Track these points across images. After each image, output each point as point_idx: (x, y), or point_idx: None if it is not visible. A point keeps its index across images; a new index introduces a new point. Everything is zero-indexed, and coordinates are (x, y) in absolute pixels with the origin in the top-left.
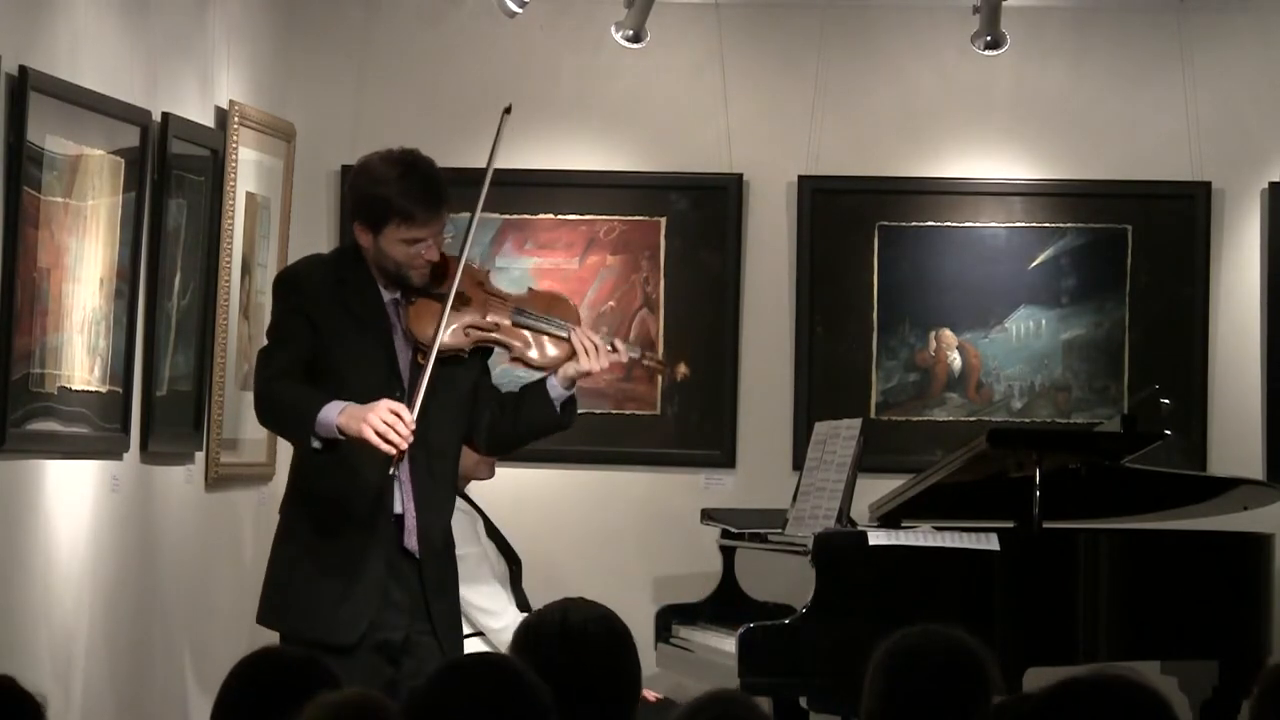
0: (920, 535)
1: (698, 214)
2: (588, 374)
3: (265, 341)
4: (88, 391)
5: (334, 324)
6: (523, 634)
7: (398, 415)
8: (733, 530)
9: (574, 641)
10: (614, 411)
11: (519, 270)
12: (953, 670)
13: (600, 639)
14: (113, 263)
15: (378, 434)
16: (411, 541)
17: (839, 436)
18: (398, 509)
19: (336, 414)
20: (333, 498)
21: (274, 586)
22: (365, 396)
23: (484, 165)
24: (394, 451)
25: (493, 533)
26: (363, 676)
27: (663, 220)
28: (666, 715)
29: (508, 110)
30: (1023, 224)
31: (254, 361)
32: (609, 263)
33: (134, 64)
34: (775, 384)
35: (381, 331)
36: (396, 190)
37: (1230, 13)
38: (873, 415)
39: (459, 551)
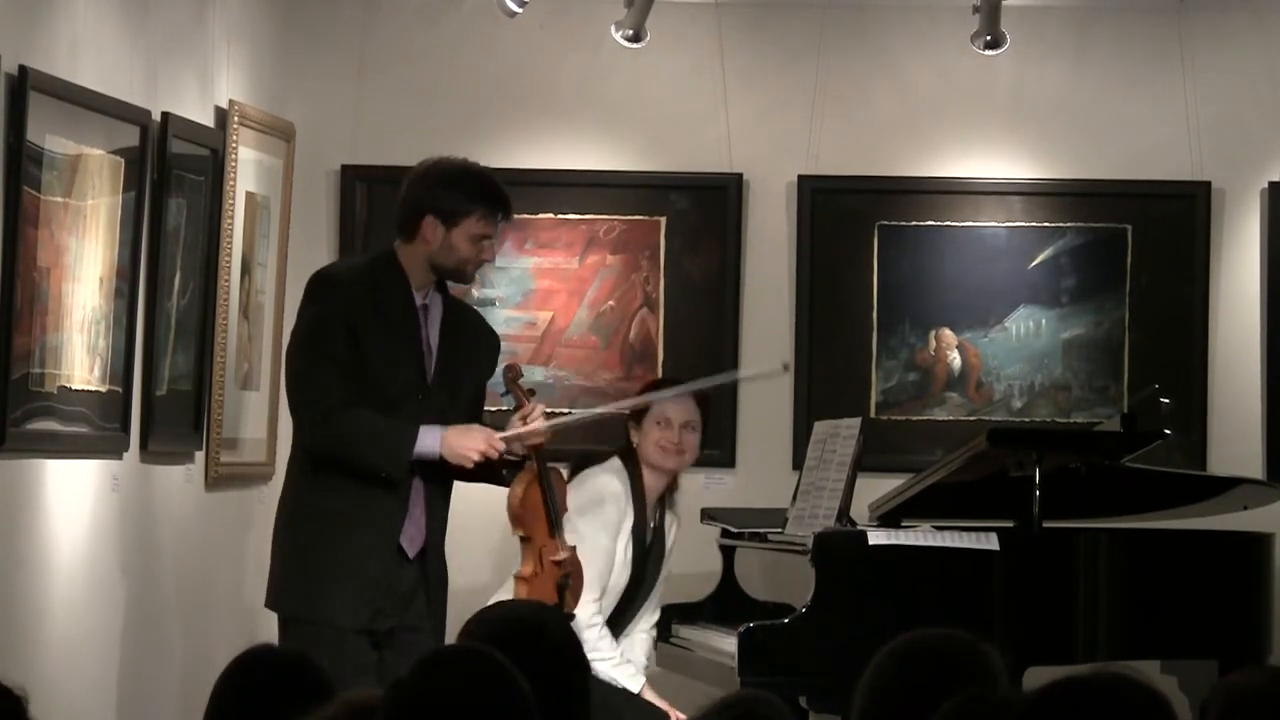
0: (920, 535)
1: (697, 214)
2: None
3: (300, 344)
4: (87, 391)
5: (369, 326)
6: (499, 632)
7: (493, 446)
8: (732, 529)
9: (539, 636)
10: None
11: (519, 270)
12: (958, 673)
13: (569, 634)
14: (112, 262)
15: (478, 459)
16: (417, 538)
17: (839, 436)
18: (409, 506)
19: (438, 445)
20: (352, 492)
21: (288, 569)
22: (393, 396)
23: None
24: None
25: (641, 541)
26: (356, 657)
27: (662, 220)
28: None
29: (786, 367)
30: (1023, 223)
31: (254, 361)
32: (609, 262)
33: (133, 63)
34: (775, 383)
35: (412, 333)
36: (481, 187)
37: (1230, 12)
38: (873, 414)
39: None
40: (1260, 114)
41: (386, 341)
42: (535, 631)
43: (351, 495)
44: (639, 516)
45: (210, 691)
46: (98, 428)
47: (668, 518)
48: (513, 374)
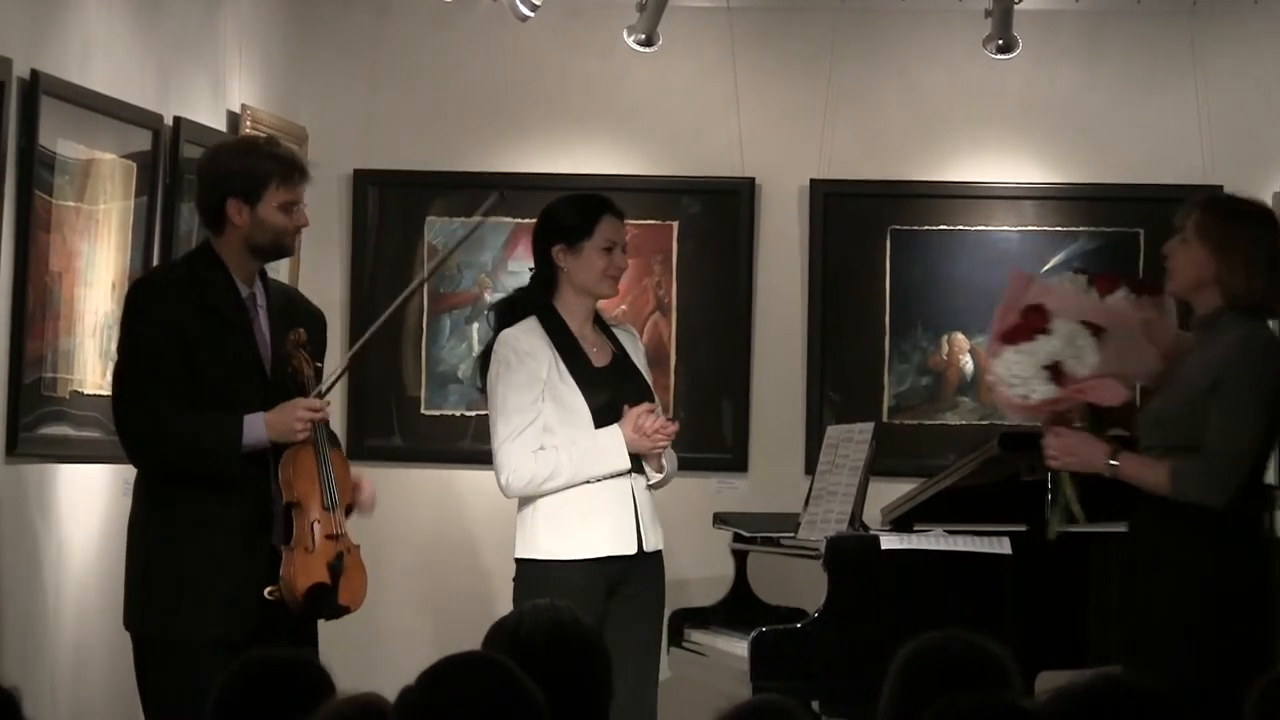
0: (932, 539)
1: (710, 218)
2: None
3: (129, 360)
4: (100, 395)
5: (199, 329)
6: (518, 638)
7: (311, 410)
8: (745, 534)
9: (576, 645)
10: None
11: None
12: (975, 677)
13: (595, 638)
14: (124, 267)
15: (307, 426)
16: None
17: (851, 440)
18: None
19: (263, 433)
20: (205, 499)
21: (141, 586)
22: (235, 394)
23: (493, 169)
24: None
25: (584, 368)
26: (215, 672)
27: (675, 224)
28: None
29: (501, 195)
30: (1035, 228)
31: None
32: None
33: (145, 68)
34: (787, 388)
35: (244, 327)
36: (269, 155)
37: (1242, 15)
38: (885, 419)
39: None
40: (1272, 117)
41: (221, 340)
42: (577, 634)
43: (205, 502)
44: (571, 349)
45: (211, 698)
46: (110, 432)
47: (621, 337)
48: (296, 340)
